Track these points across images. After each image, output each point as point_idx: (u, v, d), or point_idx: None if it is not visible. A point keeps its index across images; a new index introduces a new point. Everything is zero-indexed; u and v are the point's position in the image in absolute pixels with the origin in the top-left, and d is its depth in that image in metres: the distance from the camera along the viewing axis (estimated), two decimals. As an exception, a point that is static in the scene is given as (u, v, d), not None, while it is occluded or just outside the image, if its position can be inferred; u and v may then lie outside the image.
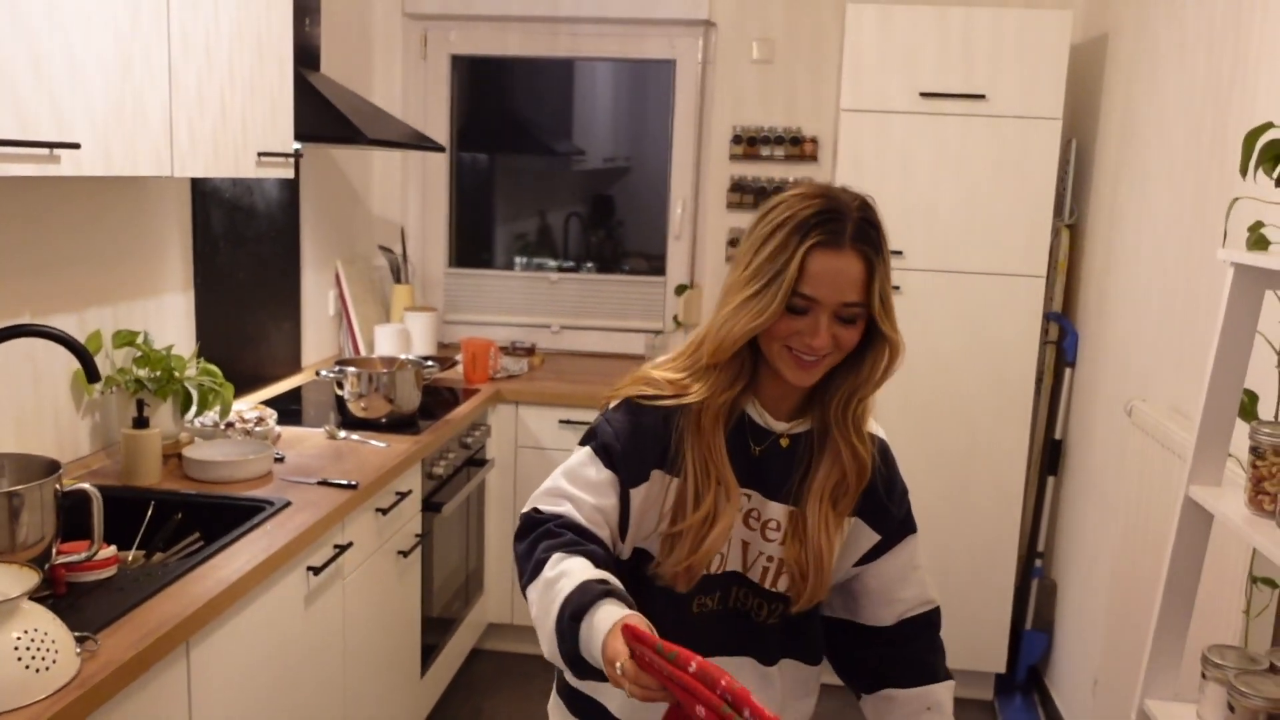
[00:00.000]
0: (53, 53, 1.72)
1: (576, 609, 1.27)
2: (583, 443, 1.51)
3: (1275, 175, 1.63)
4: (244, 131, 2.35)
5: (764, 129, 3.86)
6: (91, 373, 1.95)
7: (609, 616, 1.24)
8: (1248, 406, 1.75)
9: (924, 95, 3.24)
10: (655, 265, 4.19)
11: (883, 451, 1.56)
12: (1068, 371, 3.42)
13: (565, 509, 1.43)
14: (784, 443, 1.51)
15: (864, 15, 3.26)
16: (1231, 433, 1.72)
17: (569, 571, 1.32)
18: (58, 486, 1.71)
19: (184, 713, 1.73)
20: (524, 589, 1.40)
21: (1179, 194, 2.62)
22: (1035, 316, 3.32)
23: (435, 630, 3.07)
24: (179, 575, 1.82)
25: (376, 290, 4.01)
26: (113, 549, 1.83)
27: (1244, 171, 1.66)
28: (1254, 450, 1.57)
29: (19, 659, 1.39)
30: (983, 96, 3.22)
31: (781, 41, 3.84)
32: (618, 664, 1.19)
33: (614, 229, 4.46)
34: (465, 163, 4.31)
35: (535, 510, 1.46)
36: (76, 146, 1.76)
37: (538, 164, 4.57)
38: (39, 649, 1.42)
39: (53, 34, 1.72)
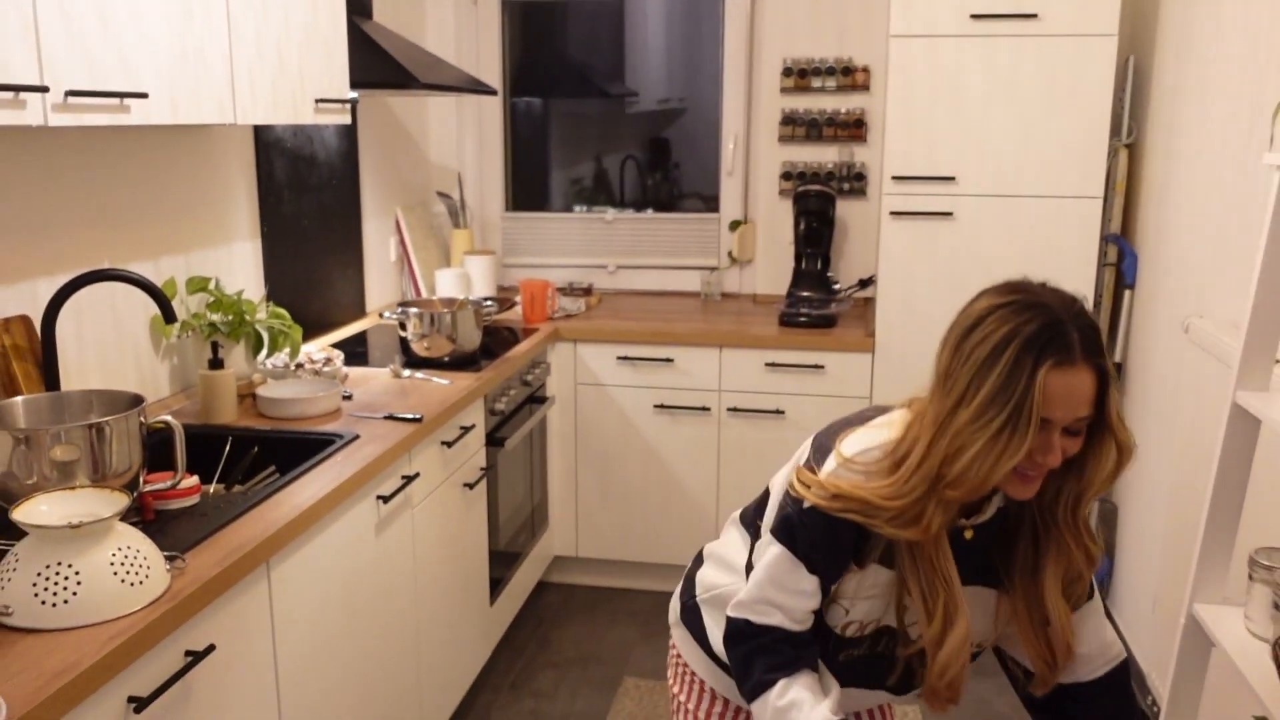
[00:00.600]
0: (117, 4, 1.80)
1: None
2: (779, 539, 1.47)
3: (1323, 76, 1.62)
4: (301, 79, 2.42)
5: (814, 60, 3.84)
6: (169, 315, 2.06)
7: None
8: (1296, 312, 1.74)
9: (975, 17, 3.20)
10: (711, 205, 4.21)
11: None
12: (1127, 293, 3.39)
13: (777, 620, 1.46)
14: (968, 535, 1.45)
15: (912, -62, 3.22)
16: (1279, 339, 1.72)
17: (798, 703, 1.41)
18: (142, 419, 1.81)
19: (267, 628, 1.84)
20: (748, 701, 1.47)
21: (1236, 108, 2.58)
22: (1093, 239, 3.29)
23: (502, 562, 3.18)
24: (258, 502, 1.93)
25: (436, 235, 4.10)
26: (195, 479, 1.94)
27: (1291, 74, 1.65)
28: (1300, 352, 1.58)
29: (114, 574, 1.50)
30: (1035, 15, 3.17)
31: (830, -30, 3.81)
32: None
33: (670, 170, 4.48)
34: (520, 108, 4.35)
35: (747, 622, 1.48)
36: (144, 96, 1.85)
37: (592, 107, 4.60)
38: (133, 565, 1.53)
39: (116, -13, 1.80)
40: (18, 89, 1.58)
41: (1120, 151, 3.39)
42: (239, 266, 2.85)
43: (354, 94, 2.69)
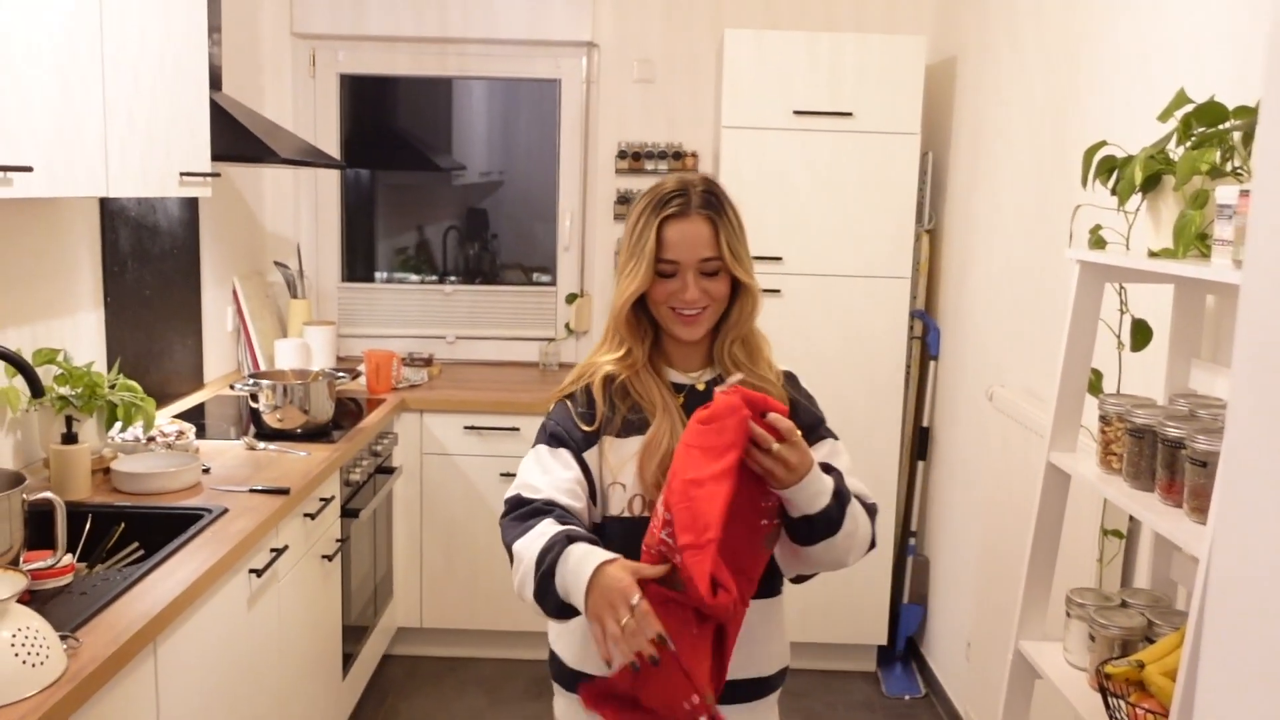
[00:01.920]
0: (3, 79, 1.79)
1: (550, 544, 1.51)
2: (536, 443, 1.71)
3: (1110, 185, 1.93)
4: (168, 152, 2.42)
5: (647, 144, 4.09)
6: (36, 388, 2.01)
7: (587, 554, 1.47)
8: (1094, 383, 2.04)
9: (797, 113, 3.52)
10: (532, 276, 4.37)
11: (789, 378, 1.85)
12: (932, 364, 3.75)
13: (545, 493, 1.61)
14: (700, 387, 1.74)
15: (740, 40, 3.52)
16: (1082, 407, 2.01)
17: (545, 532, 1.54)
18: (25, 496, 1.77)
19: (153, 706, 1.81)
20: (509, 546, 1.59)
21: (1025, 201, 2.96)
22: (902, 314, 3.63)
23: (353, 635, 3.16)
24: (138, 579, 1.90)
25: (272, 305, 4.06)
26: (70, 557, 1.89)
27: (1084, 182, 1.96)
28: (1102, 418, 1.86)
29: (15, 655, 1.48)
30: (850, 114, 3.52)
31: (661, 62, 4.08)
32: (632, 600, 1.39)
33: (489, 241, 4.62)
34: (349, 179, 4.40)
35: (519, 496, 1.63)
36: (29, 170, 1.84)
37: (418, 179, 4.69)
38: (34, 645, 1.50)
39: (2, 62, 1.79)
40: (-90, 163, 1.57)
41: (923, 236, 3.77)
42: (84, 337, 2.77)
43: (214, 168, 2.70)
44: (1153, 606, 1.89)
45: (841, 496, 1.61)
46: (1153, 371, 2.06)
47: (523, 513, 1.60)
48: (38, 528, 1.92)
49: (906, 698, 3.66)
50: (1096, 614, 1.87)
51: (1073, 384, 1.99)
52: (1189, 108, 1.79)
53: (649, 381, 1.71)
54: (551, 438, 1.69)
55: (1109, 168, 1.95)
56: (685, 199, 1.68)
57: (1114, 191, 1.91)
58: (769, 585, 1.73)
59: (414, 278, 4.45)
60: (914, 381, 3.84)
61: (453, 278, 4.44)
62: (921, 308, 3.82)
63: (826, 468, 1.65)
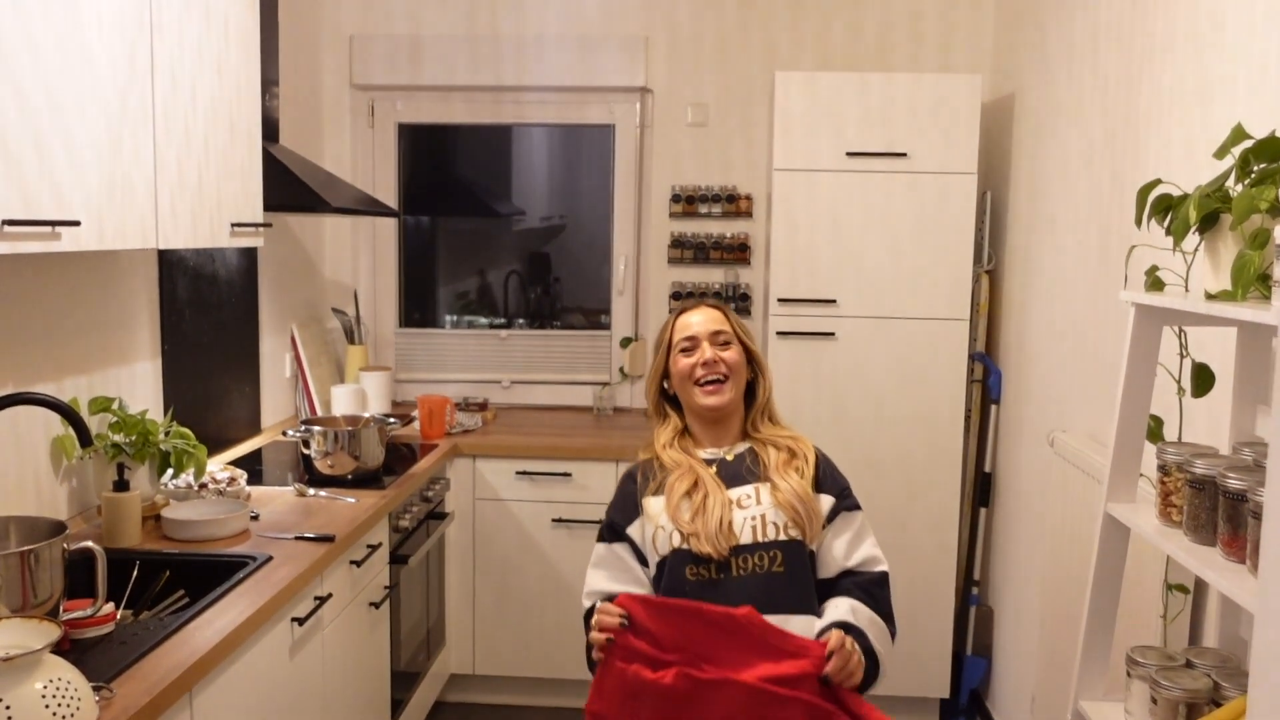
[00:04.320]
0: (53, 135, 1.84)
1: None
2: (598, 539, 2.09)
3: (1165, 225, 1.85)
4: (219, 204, 2.47)
5: (701, 188, 4.08)
6: (85, 439, 2.05)
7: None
8: (1154, 430, 1.95)
9: (850, 154, 3.48)
10: (592, 320, 4.37)
11: (818, 451, 2.08)
12: (993, 408, 3.65)
13: (602, 592, 1.98)
14: (729, 458, 2.04)
15: (791, 82, 3.50)
16: (1141, 455, 1.92)
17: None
18: (65, 546, 1.79)
19: (188, 758, 1.81)
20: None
21: (1084, 239, 2.87)
22: (961, 357, 3.55)
23: (402, 683, 3.15)
24: (177, 628, 1.91)
25: (330, 351, 4.11)
26: (111, 606, 1.91)
27: (1139, 222, 1.88)
28: (1161, 468, 1.77)
29: (46, 706, 1.48)
30: (904, 154, 3.47)
31: (714, 106, 4.08)
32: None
33: (550, 285, 4.63)
34: (409, 225, 4.45)
35: (589, 608, 1.98)
36: (77, 224, 1.87)
37: (479, 225, 4.73)
38: (64, 697, 1.50)
39: (52, 117, 1.84)
40: (-43, 219, 1.60)
41: (982, 277, 3.69)
42: (139, 385, 2.82)
43: (267, 219, 2.74)
44: (1219, 667, 1.79)
45: (873, 654, 1.91)
46: (1217, 418, 1.97)
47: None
48: (83, 575, 1.93)
49: (971, 754, 3.53)
50: (1159, 674, 1.77)
51: (1130, 431, 1.90)
52: (1247, 144, 1.71)
53: (677, 451, 2.04)
54: (607, 530, 2.07)
55: (1164, 206, 1.87)
56: (694, 301, 2.14)
57: (1169, 231, 1.83)
58: (811, 603, 1.97)
59: (480, 321, 4.48)
60: (975, 426, 3.74)
61: (521, 320, 4.46)
62: (982, 349, 3.73)
63: (846, 626, 1.88)
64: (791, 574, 1.92)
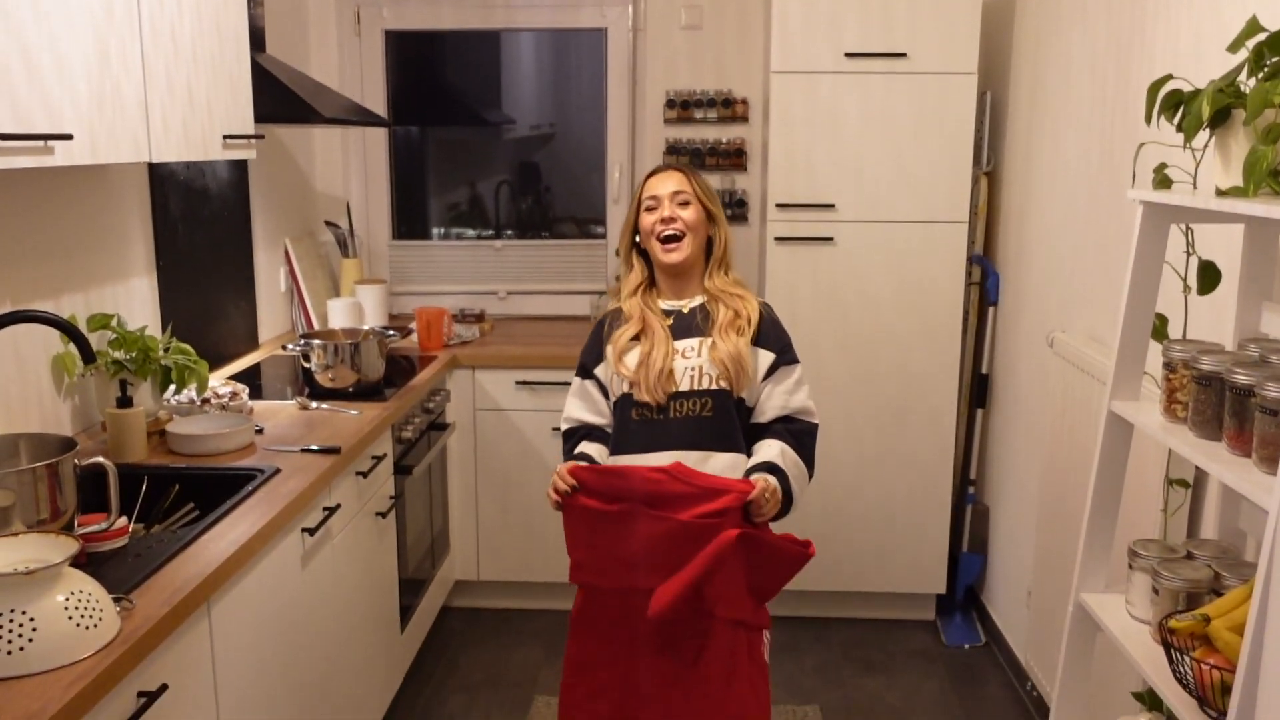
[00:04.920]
0: (41, 48, 1.79)
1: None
2: (575, 374, 2.38)
3: (1175, 121, 1.83)
4: (210, 116, 2.42)
5: (696, 93, 4.01)
6: (88, 355, 2.04)
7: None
8: (1159, 329, 1.96)
9: (849, 55, 3.41)
10: (584, 229, 4.34)
11: (765, 308, 2.31)
12: (991, 310, 3.66)
13: (578, 418, 2.34)
14: (685, 310, 2.29)
15: (788, -20, 3.42)
16: (1146, 353, 1.93)
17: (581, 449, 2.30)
18: (76, 461, 1.80)
19: (209, 666, 1.84)
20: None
21: (1087, 140, 2.84)
22: (960, 260, 3.54)
23: (410, 590, 3.20)
24: (191, 540, 1.93)
25: (324, 265, 4.08)
26: (124, 519, 1.92)
27: (1148, 119, 1.86)
28: (1167, 365, 1.78)
29: (69, 618, 1.50)
30: (904, 55, 3.41)
31: (708, 8, 3.99)
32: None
33: (541, 195, 4.58)
34: (398, 137, 4.38)
35: (564, 430, 2.37)
36: (69, 138, 1.84)
37: (468, 134, 4.66)
38: (86, 608, 1.53)
39: (40, 29, 1.79)
40: (-52, 133, 1.57)
41: (981, 179, 3.66)
42: (136, 302, 2.80)
43: (258, 130, 2.69)
44: (1219, 558, 1.82)
45: (789, 495, 2.17)
46: (1221, 316, 1.98)
47: (566, 446, 2.34)
48: (94, 491, 1.94)
49: (966, 646, 3.62)
50: (1160, 566, 1.81)
51: (1136, 330, 1.91)
52: (1261, 36, 1.68)
53: (634, 301, 2.30)
54: (581, 368, 2.37)
55: (1175, 103, 1.85)
56: (664, 166, 2.36)
57: (1180, 128, 1.81)
58: (736, 442, 2.24)
59: (470, 233, 4.44)
60: (972, 328, 3.75)
61: (509, 232, 4.42)
62: (980, 252, 3.72)
63: (771, 467, 2.16)
64: (718, 419, 2.22)
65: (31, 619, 1.47)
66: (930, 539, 3.69)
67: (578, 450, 2.29)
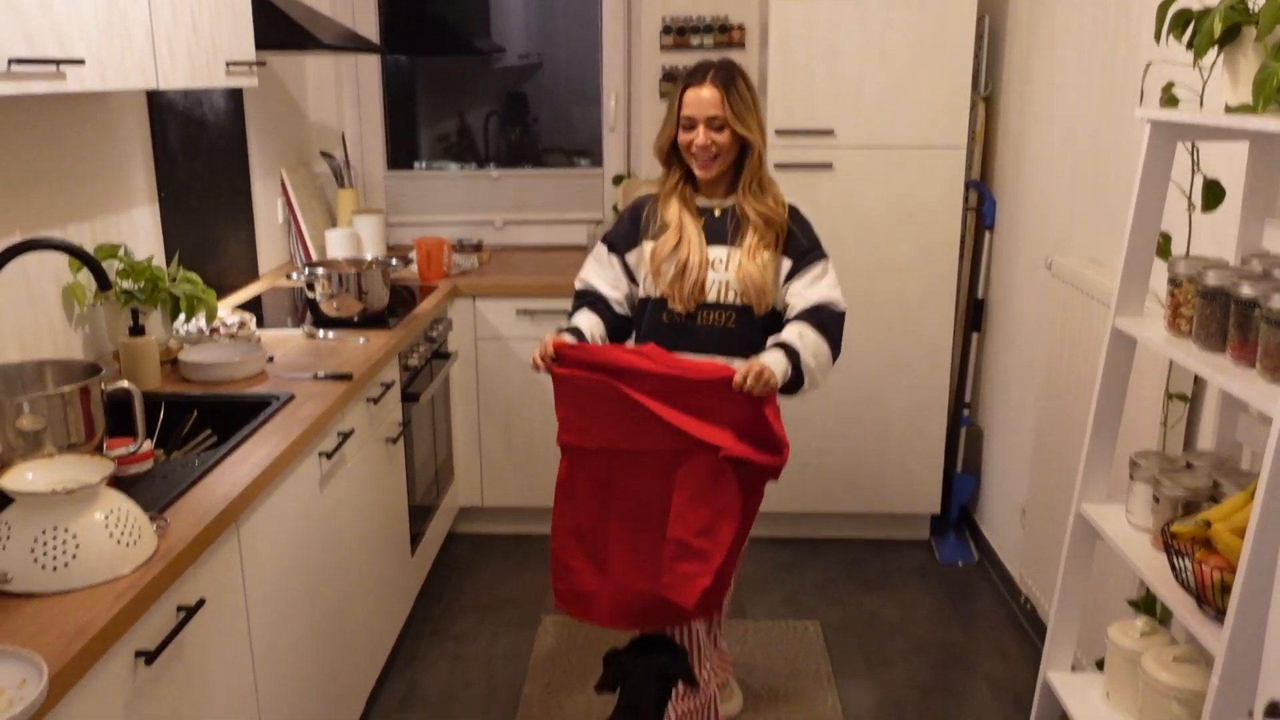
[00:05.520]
0: (50, -29, 1.78)
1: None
2: (600, 242, 2.55)
3: (1185, 39, 1.85)
4: (213, 43, 2.40)
5: (692, 18, 3.98)
6: (104, 281, 2.05)
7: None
8: (1163, 246, 2.00)
9: (848, -22, 3.40)
10: (572, 160, 4.33)
11: (793, 211, 2.45)
12: (987, 235, 3.69)
13: (592, 284, 2.52)
14: (717, 213, 2.43)
15: (787, -99, 3.38)
16: (1150, 270, 1.97)
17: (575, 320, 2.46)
18: (103, 386, 1.82)
19: (239, 582, 1.89)
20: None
21: (1087, 62, 2.85)
22: (958, 185, 3.56)
23: (418, 515, 3.25)
24: (216, 463, 1.96)
25: (320, 196, 4.07)
26: (149, 443, 1.95)
27: (1158, 37, 1.88)
28: (1172, 281, 1.82)
29: (110, 535, 1.54)
30: (903, -23, 3.39)
31: (703, -71, 3.94)
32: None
33: (529, 125, 4.56)
34: (389, 66, 4.33)
35: (577, 290, 2.55)
36: (81, 62, 1.83)
37: (457, 64, 4.61)
38: (126, 526, 1.56)
39: (48, -48, 1.77)
40: (-34, 58, 1.57)
41: (978, 104, 3.66)
42: (140, 232, 2.80)
43: (258, 57, 2.67)
44: (1218, 468, 1.89)
45: (796, 371, 2.26)
46: (1224, 234, 2.02)
47: (576, 304, 2.51)
48: (115, 417, 1.97)
49: (960, 564, 3.72)
50: (1161, 475, 1.87)
51: (1141, 247, 1.95)
52: (1270, -48, 1.70)
53: (675, 205, 2.42)
54: (609, 243, 2.52)
55: (1184, 21, 1.87)
56: (704, 72, 2.35)
57: (1189, 46, 1.83)
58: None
59: (455, 165, 4.42)
60: (969, 253, 3.79)
61: (492, 165, 4.40)
62: (977, 178, 3.74)
63: (783, 344, 2.28)
64: (741, 331, 2.40)
65: (74, 536, 1.51)
66: (925, 460, 3.77)
67: (571, 323, 2.45)
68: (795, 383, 2.28)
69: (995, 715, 2.86)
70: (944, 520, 3.89)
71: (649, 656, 2.39)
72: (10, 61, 1.66)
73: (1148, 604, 2.14)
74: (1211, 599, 1.64)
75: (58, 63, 1.78)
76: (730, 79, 2.35)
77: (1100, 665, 2.12)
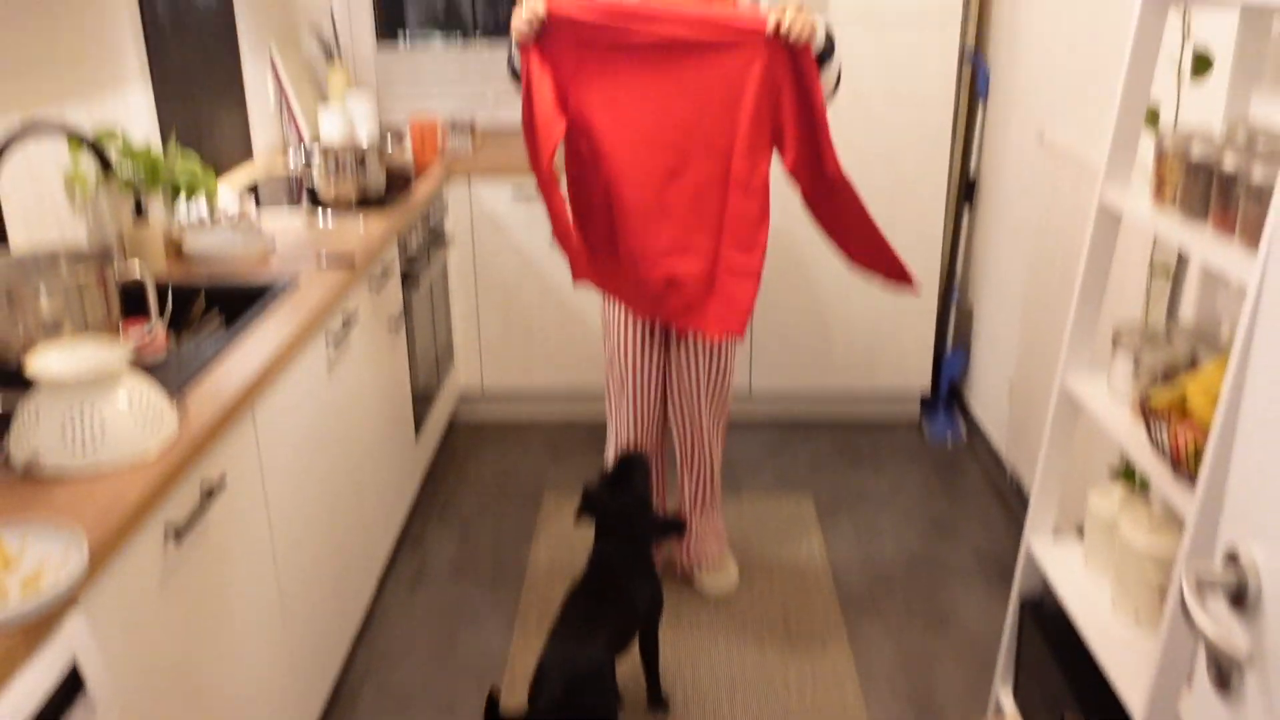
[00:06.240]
0: None
1: None
2: None
3: (1180, -92, 1.84)
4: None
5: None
6: (107, 165, 2.07)
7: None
8: (1152, 119, 2.02)
9: None
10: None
11: None
12: (980, 106, 3.69)
13: None
14: None
15: None
16: (1138, 140, 2.00)
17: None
18: (117, 271, 1.87)
19: (256, 463, 1.97)
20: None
21: (1086, -69, 2.82)
22: (952, 58, 3.53)
23: (420, 400, 3.33)
24: (227, 347, 2.02)
25: (310, 74, 4.03)
26: (160, 327, 2.00)
27: (1153, -94, 1.86)
28: (1158, 154, 1.85)
29: (133, 416, 1.60)
30: None
31: None
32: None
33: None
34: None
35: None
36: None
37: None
38: (148, 407, 1.63)
39: None
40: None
41: (974, -26, 3.61)
42: (135, 115, 2.80)
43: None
44: (1198, 338, 1.95)
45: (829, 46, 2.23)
46: (1211, 104, 2.04)
47: None
48: (126, 302, 2.01)
49: (949, 443, 3.82)
50: (1142, 345, 1.94)
51: (1131, 115, 1.96)
52: None
53: None
54: None
55: (1179, -112, 1.86)
56: None
57: (1183, -86, 1.83)
58: None
59: (436, 35, 4.34)
60: (961, 126, 3.79)
61: (478, 33, 4.33)
62: (973, 47, 3.71)
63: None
64: None
65: (101, 417, 1.57)
66: (915, 337, 3.84)
67: None
68: (826, 52, 2.23)
69: (980, 582, 3.00)
70: (934, 399, 3.98)
71: (622, 492, 2.44)
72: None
73: (1127, 474, 2.23)
74: (1186, 464, 1.72)
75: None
76: None
77: (1080, 532, 2.22)
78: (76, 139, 2.05)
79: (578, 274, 2.53)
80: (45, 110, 2.39)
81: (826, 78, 2.26)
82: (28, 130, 1.99)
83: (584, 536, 3.18)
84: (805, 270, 3.70)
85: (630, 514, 2.40)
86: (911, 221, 3.70)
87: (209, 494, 1.72)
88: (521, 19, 2.22)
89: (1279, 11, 1.80)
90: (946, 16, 3.48)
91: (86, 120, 2.55)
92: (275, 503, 2.06)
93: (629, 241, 2.40)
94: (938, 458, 3.72)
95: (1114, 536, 2.00)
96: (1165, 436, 1.76)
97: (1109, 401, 2.05)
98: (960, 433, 3.86)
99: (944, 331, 3.94)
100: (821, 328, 3.80)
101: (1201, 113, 2.09)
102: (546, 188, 2.36)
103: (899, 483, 3.54)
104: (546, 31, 2.25)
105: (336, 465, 2.46)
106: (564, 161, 2.46)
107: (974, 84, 3.71)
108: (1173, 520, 1.94)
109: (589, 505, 2.42)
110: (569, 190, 2.47)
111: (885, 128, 3.59)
